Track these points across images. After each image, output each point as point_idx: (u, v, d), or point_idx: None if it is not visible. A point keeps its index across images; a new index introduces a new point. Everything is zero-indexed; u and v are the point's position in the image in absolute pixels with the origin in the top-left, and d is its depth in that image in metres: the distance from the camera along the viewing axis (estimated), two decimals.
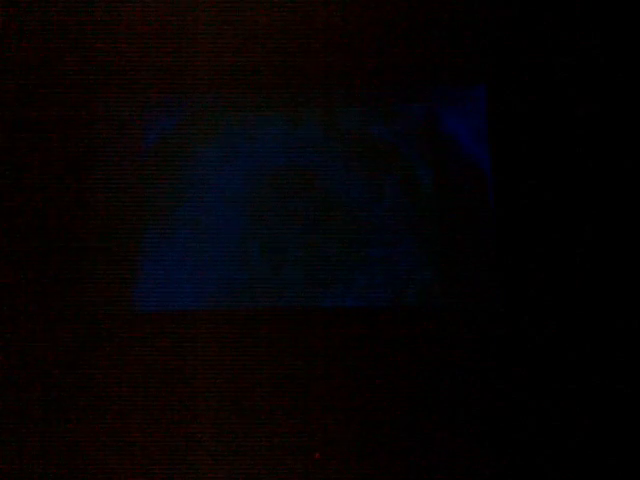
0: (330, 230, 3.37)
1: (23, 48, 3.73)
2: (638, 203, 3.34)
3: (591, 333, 3.19)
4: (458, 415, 3.15)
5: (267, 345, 3.26)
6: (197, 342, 3.27)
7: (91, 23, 3.71)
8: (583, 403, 3.10)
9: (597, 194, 3.38)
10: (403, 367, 3.21)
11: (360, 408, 3.19)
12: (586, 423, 3.07)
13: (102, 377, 3.26)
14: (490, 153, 3.51)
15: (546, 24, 3.63)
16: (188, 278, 3.35)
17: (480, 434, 3.12)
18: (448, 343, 3.23)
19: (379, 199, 3.43)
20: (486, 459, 3.07)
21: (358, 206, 3.41)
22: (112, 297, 3.31)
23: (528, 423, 3.11)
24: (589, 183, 3.40)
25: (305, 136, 3.57)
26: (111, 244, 3.40)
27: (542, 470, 3.03)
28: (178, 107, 3.64)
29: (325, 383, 3.21)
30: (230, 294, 3.31)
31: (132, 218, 3.45)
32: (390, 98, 3.66)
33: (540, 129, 3.51)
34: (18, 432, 3.17)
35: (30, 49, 3.73)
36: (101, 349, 3.29)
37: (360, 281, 3.28)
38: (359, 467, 3.08)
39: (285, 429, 3.16)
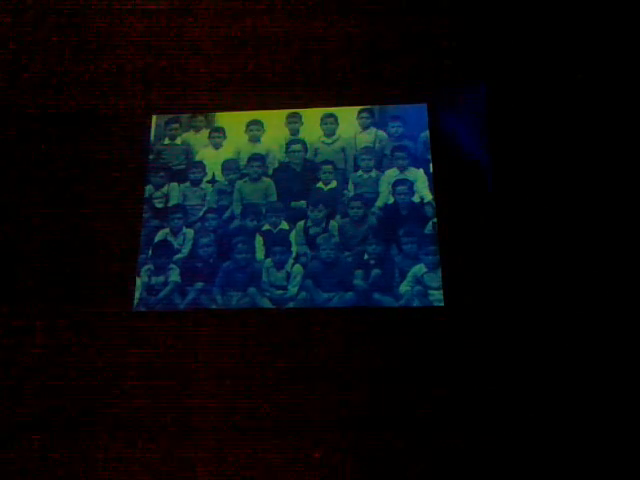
0: (330, 229, 3.50)
1: (23, 48, 3.81)
2: (637, 202, 3.32)
3: (592, 332, 3.15)
4: (458, 414, 3.10)
5: (267, 345, 3.28)
6: (197, 342, 3.30)
7: (93, 23, 3.78)
8: (583, 401, 3.06)
9: (597, 192, 3.37)
10: (403, 366, 3.21)
11: (360, 408, 3.15)
12: (587, 421, 3.03)
13: (102, 376, 3.26)
14: (490, 152, 3.53)
15: (545, 23, 3.62)
16: (188, 278, 3.47)
17: (480, 433, 3.05)
18: (449, 342, 3.23)
19: (379, 198, 3.55)
20: (486, 458, 3.01)
21: (357, 205, 3.53)
22: (112, 297, 3.39)
23: (528, 422, 3.05)
24: (589, 181, 3.38)
25: (305, 136, 3.71)
26: (111, 244, 3.49)
27: (542, 470, 2.97)
28: (179, 106, 3.79)
29: (325, 382, 3.20)
30: (231, 294, 3.43)
31: (132, 218, 3.56)
32: (390, 98, 3.75)
33: (539, 128, 3.51)
34: (18, 431, 3.17)
35: (30, 48, 3.80)
36: (101, 349, 3.30)
37: (359, 280, 3.39)
38: (359, 467, 3.04)
39: (285, 429, 3.12)
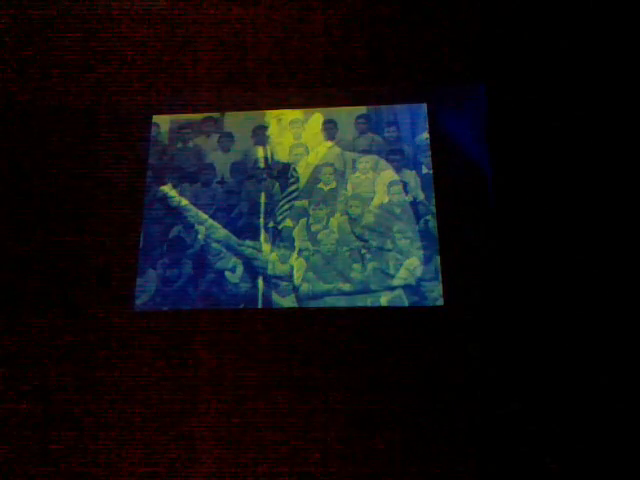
0: (331, 225, 3.63)
1: (22, 48, 3.83)
2: (638, 203, 3.33)
3: (591, 332, 3.17)
4: (457, 415, 3.13)
5: (267, 345, 3.33)
6: (197, 342, 3.35)
7: (94, 22, 3.83)
8: (582, 402, 3.08)
9: (597, 193, 3.39)
10: (403, 367, 3.24)
11: (360, 408, 3.18)
12: (586, 422, 3.05)
13: (102, 376, 3.29)
14: (490, 153, 3.56)
15: (545, 24, 3.66)
16: (200, 271, 3.60)
17: (479, 434, 3.09)
18: (448, 343, 3.27)
19: (375, 198, 3.68)
20: (485, 459, 3.05)
21: (355, 204, 3.67)
22: (112, 297, 3.48)
23: (527, 423, 3.08)
24: (589, 182, 3.41)
25: (307, 140, 3.84)
26: (111, 244, 3.58)
27: (541, 471, 3.00)
28: (179, 106, 3.92)
29: (325, 383, 3.23)
30: (240, 285, 3.57)
31: (132, 218, 3.66)
32: (390, 98, 3.85)
33: (539, 128, 3.53)
34: (19, 431, 3.18)
35: (30, 49, 3.83)
36: (101, 349, 3.33)
37: (357, 272, 3.52)
38: (359, 467, 3.06)
39: (285, 429, 3.15)
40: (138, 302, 3.55)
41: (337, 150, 3.81)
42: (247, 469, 3.10)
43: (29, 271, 3.51)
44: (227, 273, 3.60)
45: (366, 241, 3.58)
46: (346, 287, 3.50)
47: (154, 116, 3.93)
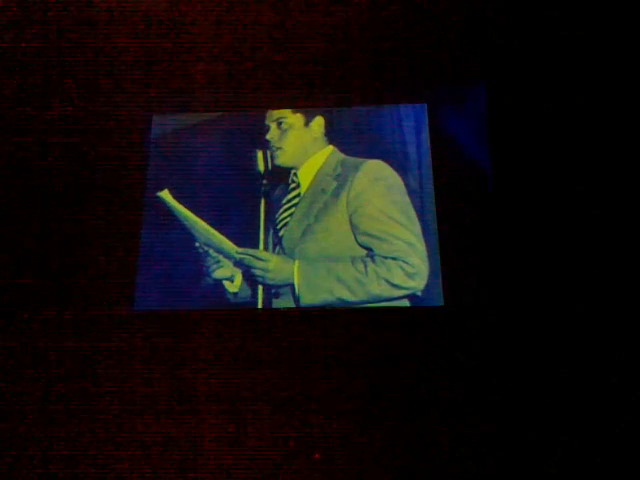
0: (331, 226, 3.63)
1: (22, 47, 3.85)
2: (638, 202, 3.35)
3: (592, 332, 3.12)
4: (457, 415, 3.13)
5: (267, 345, 3.32)
6: (197, 342, 3.34)
7: (93, 21, 3.86)
8: (582, 402, 3.06)
9: (598, 193, 3.39)
10: (402, 367, 3.25)
11: (360, 408, 3.18)
12: (586, 421, 3.02)
13: (102, 377, 3.28)
14: (490, 153, 3.55)
15: (546, 23, 3.68)
16: (202, 272, 3.60)
17: (479, 434, 3.09)
18: (448, 343, 3.26)
19: (375, 197, 3.68)
20: (485, 459, 3.04)
21: (356, 204, 3.66)
22: (112, 297, 3.46)
23: (527, 423, 3.08)
24: (590, 182, 3.41)
25: (307, 138, 3.83)
26: (111, 244, 3.57)
27: (540, 471, 2.98)
28: (179, 106, 3.91)
29: (325, 383, 3.23)
30: (242, 286, 3.57)
31: (132, 217, 3.65)
32: (390, 98, 3.84)
33: (540, 129, 3.54)
34: (18, 432, 3.16)
35: (30, 48, 3.84)
36: (101, 349, 3.32)
37: (357, 272, 3.52)
38: (359, 467, 3.05)
39: (285, 429, 3.14)
40: (138, 302, 3.52)
41: (338, 153, 3.79)
42: (247, 469, 3.08)
43: (28, 271, 3.51)
44: (226, 282, 3.58)
45: (367, 244, 3.57)
46: (347, 293, 3.49)
47: (154, 116, 3.90)
